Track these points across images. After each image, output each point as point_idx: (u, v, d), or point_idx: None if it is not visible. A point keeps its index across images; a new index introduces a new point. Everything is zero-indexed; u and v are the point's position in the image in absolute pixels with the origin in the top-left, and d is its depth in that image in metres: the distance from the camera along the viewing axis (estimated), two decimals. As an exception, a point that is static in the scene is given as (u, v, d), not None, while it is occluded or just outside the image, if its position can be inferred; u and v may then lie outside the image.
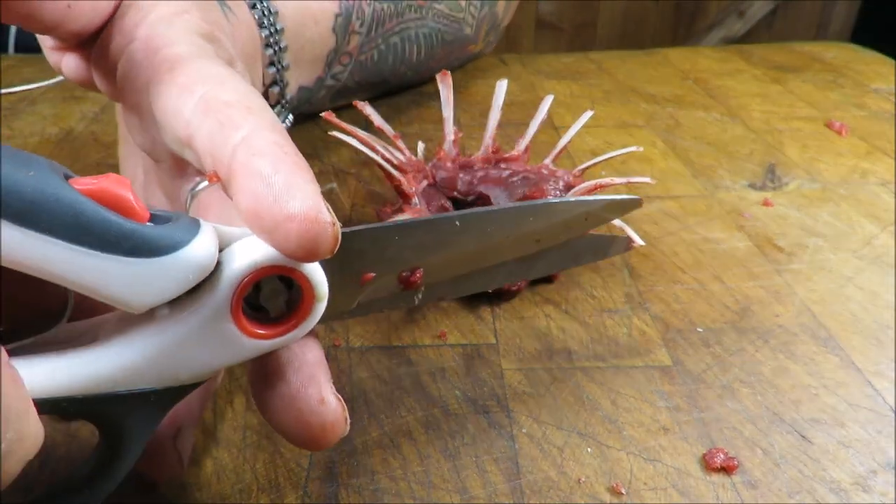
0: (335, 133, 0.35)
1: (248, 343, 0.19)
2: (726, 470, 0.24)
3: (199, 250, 0.17)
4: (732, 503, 0.23)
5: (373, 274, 0.22)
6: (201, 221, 0.18)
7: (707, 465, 0.24)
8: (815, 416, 0.26)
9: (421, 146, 0.38)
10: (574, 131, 0.37)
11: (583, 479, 0.24)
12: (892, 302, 0.32)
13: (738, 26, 1.91)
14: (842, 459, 0.24)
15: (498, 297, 0.33)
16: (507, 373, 0.28)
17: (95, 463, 0.19)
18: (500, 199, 0.36)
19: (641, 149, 0.35)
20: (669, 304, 0.32)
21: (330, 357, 0.29)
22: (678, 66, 0.67)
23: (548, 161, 0.37)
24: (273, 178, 0.17)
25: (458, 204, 0.36)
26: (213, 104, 0.20)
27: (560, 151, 0.37)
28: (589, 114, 0.37)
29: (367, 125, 0.36)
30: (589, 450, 0.25)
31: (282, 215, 0.16)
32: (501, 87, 0.38)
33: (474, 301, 0.32)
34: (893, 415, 0.26)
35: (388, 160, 0.34)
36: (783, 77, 0.63)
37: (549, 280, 0.33)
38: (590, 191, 0.33)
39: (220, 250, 0.18)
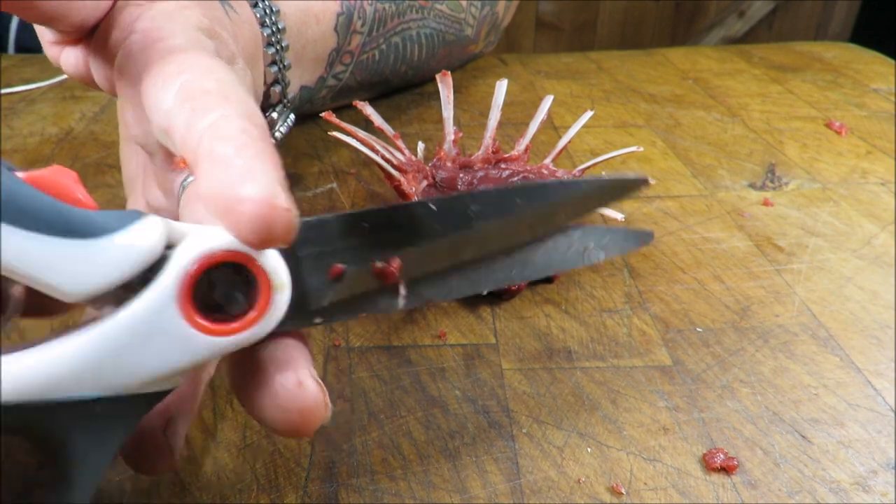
0: (335, 133, 0.35)
1: (203, 341, 0.17)
2: (726, 470, 0.24)
3: (139, 235, 0.16)
4: (732, 503, 0.23)
5: (342, 266, 0.20)
6: (151, 215, 0.17)
7: (707, 465, 0.24)
8: (815, 416, 0.26)
9: (421, 146, 0.38)
10: (574, 131, 0.37)
11: (583, 479, 0.24)
12: (892, 302, 0.32)
13: (738, 26, 1.91)
14: (842, 459, 0.24)
15: (498, 296, 0.33)
16: (507, 373, 0.28)
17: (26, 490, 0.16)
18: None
19: (642, 149, 0.35)
20: (669, 304, 0.32)
21: (330, 357, 0.29)
22: (678, 65, 0.67)
23: (548, 161, 0.37)
24: (233, 162, 0.17)
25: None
26: (193, 92, 0.20)
27: (560, 151, 0.37)
28: (589, 114, 0.37)
29: (366, 125, 0.36)
30: (589, 450, 0.25)
31: (236, 198, 0.16)
32: (501, 87, 0.38)
33: (474, 301, 0.32)
34: (893, 415, 0.26)
35: (387, 160, 0.34)
36: (783, 77, 0.63)
37: (549, 280, 0.34)
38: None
39: (173, 246, 0.17)
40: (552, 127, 0.52)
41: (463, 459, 0.24)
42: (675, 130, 0.51)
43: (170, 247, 0.17)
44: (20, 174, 0.16)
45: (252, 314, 0.18)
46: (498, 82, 0.38)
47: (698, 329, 0.31)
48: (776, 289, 0.33)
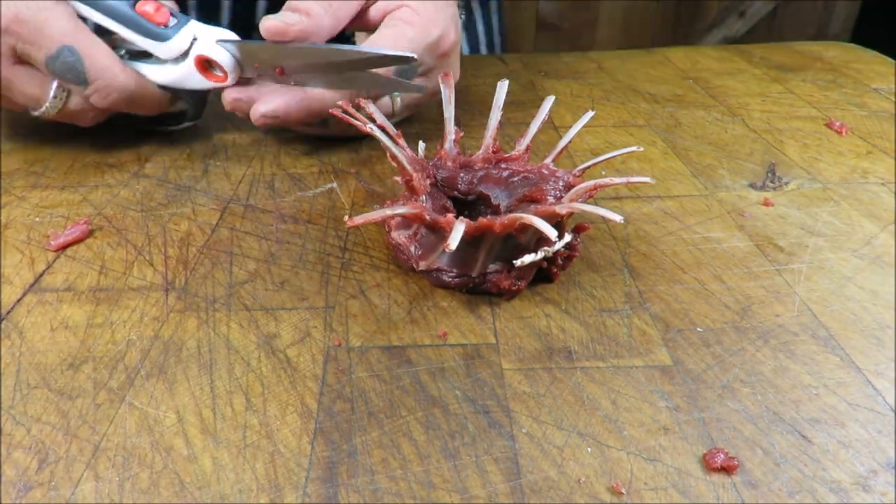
0: (358, 123, 0.35)
1: (207, 81, 0.45)
2: (726, 470, 0.24)
3: (178, 41, 0.43)
4: (732, 503, 0.23)
5: (259, 64, 0.44)
6: (190, 22, 0.44)
7: (707, 465, 0.24)
8: (816, 416, 0.26)
9: (422, 145, 0.37)
10: (575, 131, 0.37)
11: (583, 479, 0.24)
12: (892, 302, 0.32)
13: (739, 26, 1.91)
14: (842, 459, 0.24)
15: (498, 296, 0.33)
16: (507, 373, 0.28)
17: (183, 111, 0.49)
18: (500, 199, 0.36)
19: (642, 148, 0.35)
20: (669, 303, 0.32)
21: (330, 357, 0.29)
22: (678, 65, 0.67)
23: (548, 161, 0.36)
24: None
25: (458, 203, 0.36)
26: None
27: (560, 151, 0.37)
28: (590, 114, 0.37)
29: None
30: (589, 450, 0.25)
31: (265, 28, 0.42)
32: (502, 87, 0.38)
33: (474, 301, 0.32)
34: (894, 415, 0.26)
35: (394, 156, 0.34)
36: (783, 77, 0.63)
37: (549, 280, 0.33)
38: (589, 191, 0.33)
39: (197, 39, 0.44)
40: (552, 127, 0.52)
41: (463, 459, 0.24)
42: (676, 130, 0.51)
43: (195, 38, 0.44)
44: (136, 7, 0.43)
45: (222, 78, 0.44)
46: (499, 83, 0.38)
47: (698, 329, 0.31)
48: (776, 289, 0.33)
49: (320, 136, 0.49)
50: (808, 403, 0.27)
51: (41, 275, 0.34)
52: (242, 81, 0.45)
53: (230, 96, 0.45)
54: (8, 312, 0.32)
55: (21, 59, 0.42)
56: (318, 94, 0.44)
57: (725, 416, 0.26)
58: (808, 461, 0.24)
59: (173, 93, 0.46)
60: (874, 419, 0.26)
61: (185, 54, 0.44)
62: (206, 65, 0.44)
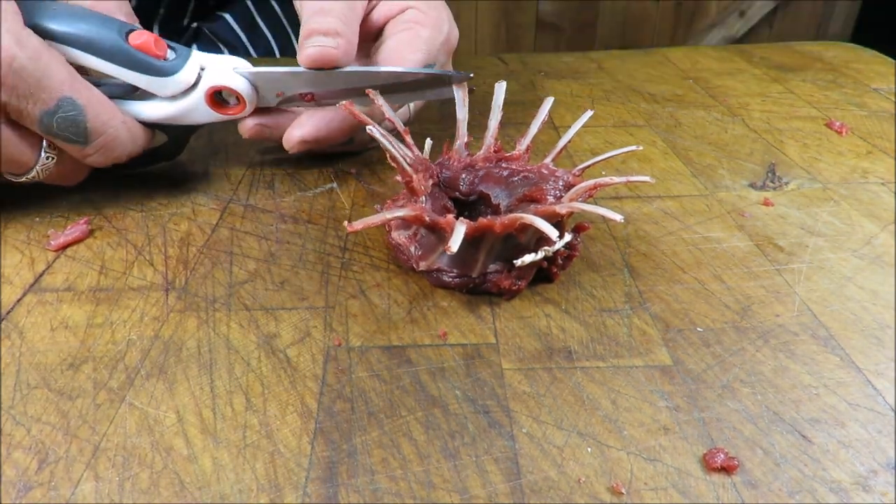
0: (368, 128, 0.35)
1: (217, 115, 0.41)
2: (726, 470, 0.24)
3: (185, 74, 0.38)
4: (732, 503, 0.23)
5: (283, 92, 0.41)
6: (193, 52, 0.39)
7: (707, 464, 0.24)
8: (816, 416, 0.26)
9: (428, 143, 0.37)
10: (574, 131, 0.37)
11: (583, 479, 0.24)
12: (892, 302, 0.32)
13: (739, 26, 1.91)
14: (842, 459, 0.24)
15: (498, 296, 0.33)
16: (507, 373, 0.28)
17: (161, 148, 0.43)
18: (500, 198, 0.36)
19: (641, 147, 0.35)
20: (669, 303, 0.32)
21: (330, 357, 0.29)
22: (678, 65, 0.67)
23: (548, 161, 0.36)
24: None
25: (458, 203, 0.36)
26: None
27: (560, 151, 0.37)
28: (589, 113, 0.37)
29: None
30: (589, 449, 0.25)
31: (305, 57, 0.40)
32: (501, 88, 0.38)
33: (474, 301, 0.32)
34: (894, 415, 0.26)
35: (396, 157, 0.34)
36: (783, 77, 0.63)
37: (549, 280, 0.33)
38: (589, 190, 0.33)
39: (204, 67, 0.39)
40: (552, 126, 0.52)
41: (463, 459, 0.24)
42: (676, 130, 0.51)
43: (203, 68, 0.39)
44: (130, 40, 0.37)
45: (238, 109, 0.41)
46: (497, 84, 0.38)
47: (698, 329, 0.31)
48: (776, 289, 0.33)
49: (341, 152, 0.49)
50: (808, 403, 0.27)
51: (41, 275, 0.34)
52: (257, 111, 0.42)
53: (250, 123, 0.42)
54: (8, 312, 0.32)
55: (8, 118, 0.35)
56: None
57: (725, 416, 0.26)
58: (808, 461, 0.24)
59: (162, 130, 0.41)
60: (874, 419, 0.26)
61: (190, 89, 0.39)
62: (216, 96, 0.40)
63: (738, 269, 0.35)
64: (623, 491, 0.23)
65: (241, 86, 0.39)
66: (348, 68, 0.40)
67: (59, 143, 0.36)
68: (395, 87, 0.40)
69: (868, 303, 0.32)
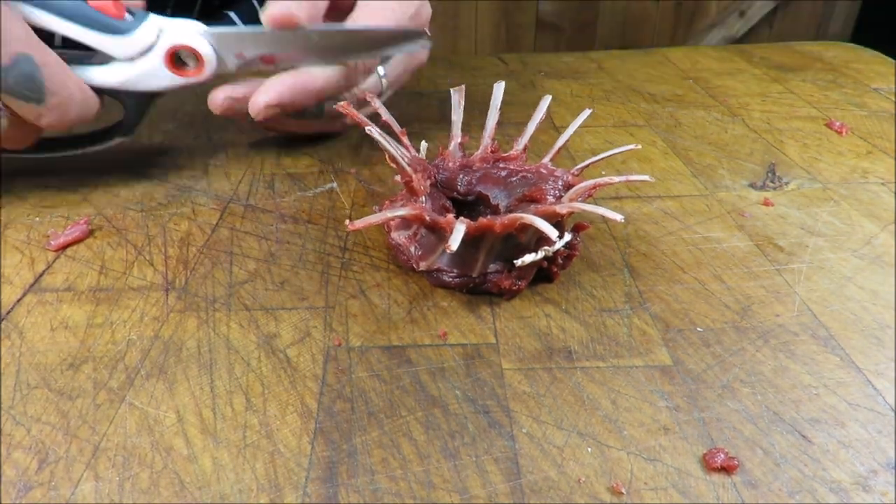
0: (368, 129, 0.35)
1: (176, 77, 0.40)
2: (726, 470, 0.24)
3: (143, 33, 0.39)
4: (732, 503, 0.23)
5: (242, 53, 0.41)
6: (151, 15, 0.39)
7: (707, 464, 0.24)
8: (816, 416, 0.26)
9: (424, 145, 0.37)
10: (572, 130, 0.37)
11: (583, 479, 0.24)
12: (892, 302, 0.32)
13: (739, 26, 1.91)
14: (842, 459, 0.24)
15: (498, 296, 0.33)
16: (507, 373, 0.28)
17: (117, 124, 0.42)
18: (499, 199, 0.36)
19: (640, 146, 0.35)
20: (669, 303, 0.32)
21: (330, 357, 0.29)
22: (678, 65, 0.67)
23: (546, 160, 0.36)
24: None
25: (457, 204, 0.36)
26: None
27: (558, 150, 0.37)
28: (587, 112, 0.37)
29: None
30: (589, 450, 0.25)
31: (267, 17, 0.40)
32: (499, 88, 0.38)
33: (474, 301, 0.32)
34: (894, 415, 0.26)
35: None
36: (783, 77, 0.63)
37: (549, 280, 0.33)
38: (588, 190, 0.33)
39: (162, 30, 0.39)
40: (552, 126, 0.52)
41: (463, 459, 0.24)
42: (676, 130, 0.51)
43: (161, 30, 0.39)
44: (90, 2, 0.38)
45: (197, 71, 0.41)
46: (495, 84, 0.38)
47: (698, 329, 0.31)
48: (776, 289, 0.33)
49: (318, 133, 0.49)
50: (808, 403, 0.27)
51: (41, 275, 0.34)
52: (218, 76, 0.42)
53: (220, 97, 0.42)
54: (8, 312, 0.32)
55: None
56: (318, 72, 0.42)
57: (725, 416, 0.26)
58: (808, 461, 0.24)
59: (115, 97, 0.40)
60: (874, 419, 0.26)
61: (149, 49, 0.39)
62: (176, 58, 0.40)
63: (738, 269, 0.35)
64: (623, 491, 0.23)
65: (199, 45, 0.40)
66: (309, 26, 0.41)
67: (13, 101, 0.36)
68: (357, 44, 0.42)
69: (868, 303, 0.32)
